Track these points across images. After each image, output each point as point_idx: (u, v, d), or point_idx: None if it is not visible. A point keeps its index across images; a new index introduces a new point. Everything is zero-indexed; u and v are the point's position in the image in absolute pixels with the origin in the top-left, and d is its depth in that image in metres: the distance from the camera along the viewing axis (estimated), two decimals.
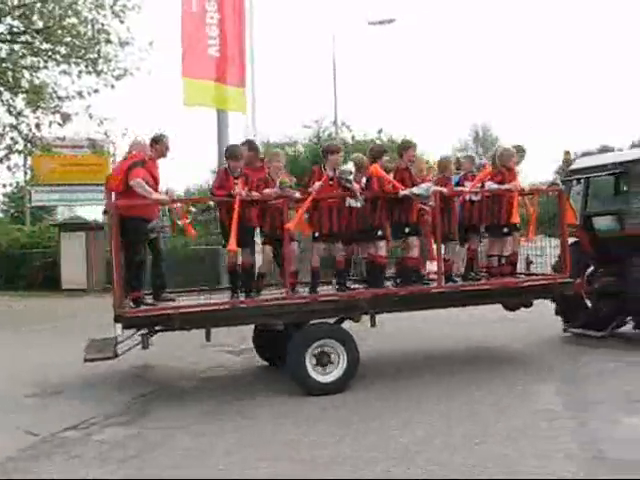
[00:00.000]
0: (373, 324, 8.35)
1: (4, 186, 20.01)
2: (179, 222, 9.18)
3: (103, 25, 17.01)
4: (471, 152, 57.21)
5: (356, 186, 8.31)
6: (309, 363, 7.81)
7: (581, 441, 5.88)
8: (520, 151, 9.72)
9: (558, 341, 10.70)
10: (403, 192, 8.38)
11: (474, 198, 9.33)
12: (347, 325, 8.44)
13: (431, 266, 9.41)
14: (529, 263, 10.01)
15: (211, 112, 15.81)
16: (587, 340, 10.33)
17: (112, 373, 9.18)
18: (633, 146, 55.33)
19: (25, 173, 24.41)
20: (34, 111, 17.16)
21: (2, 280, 23.17)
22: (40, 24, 16.68)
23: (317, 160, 20.94)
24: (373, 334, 9.09)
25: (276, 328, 8.46)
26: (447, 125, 78.71)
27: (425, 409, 7.06)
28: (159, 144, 8.76)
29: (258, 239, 8.73)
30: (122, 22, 17.08)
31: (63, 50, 16.94)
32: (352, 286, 8.85)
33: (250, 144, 9.48)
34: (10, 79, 16.84)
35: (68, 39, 16.72)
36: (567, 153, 11.53)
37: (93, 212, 27.29)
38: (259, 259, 8.66)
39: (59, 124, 17.59)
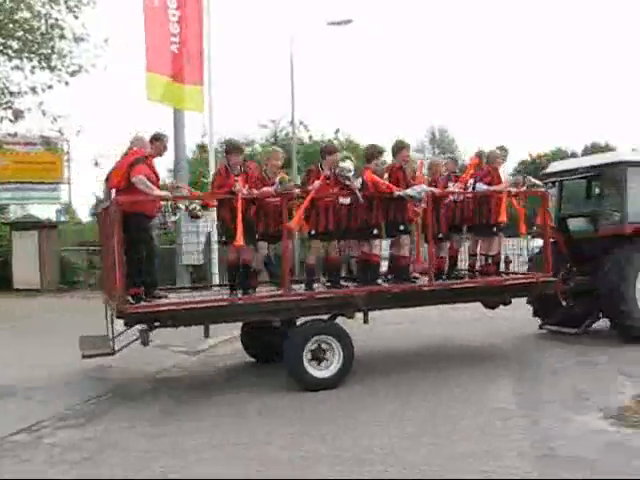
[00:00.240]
0: (366, 321, 8.57)
1: None
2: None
3: (57, 20, 16.63)
4: (428, 153, 57.96)
5: (355, 184, 8.49)
6: (306, 359, 7.99)
7: (533, 439, 5.98)
8: (503, 150, 10.06)
9: (533, 338, 11.09)
10: (397, 193, 8.58)
11: (458, 198, 9.61)
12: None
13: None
14: (508, 262, 10.29)
15: (167, 110, 15.64)
16: (562, 337, 10.71)
17: (67, 375, 9.04)
18: (586, 149, 56.73)
19: None
20: None
21: None
22: None
23: None
24: (360, 332, 9.20)
25: (264, 326, 8.67)
26: (404, 126, 79.17)
27: (391, 410, 7.14)
28: (159, 142, 8.78)
29: None
30: (77, 17, 16.72)
31: (15, 45, 16.52)
32: (342, 284, 8.92)
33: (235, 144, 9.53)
34: None
35: (20, 33, 16.33)
36: (540, 156, 11.82)
37: (46, 211, 26.74)
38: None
39: (11, 120, 17.21)
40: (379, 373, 8.77)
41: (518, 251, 11.27)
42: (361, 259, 8.94)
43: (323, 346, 8.10)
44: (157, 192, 8.23)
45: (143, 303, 7.88)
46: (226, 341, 11.27)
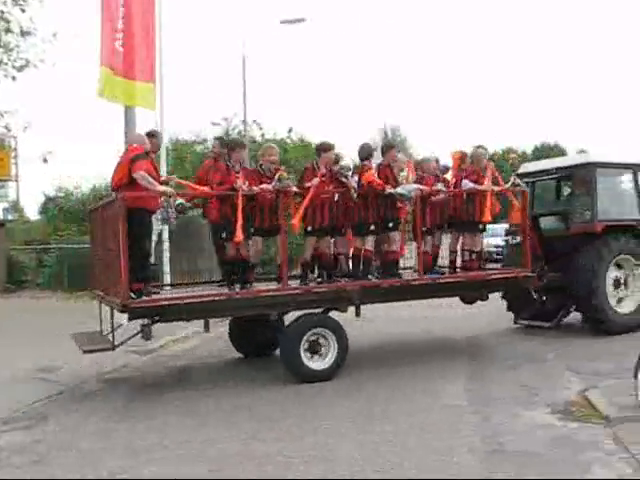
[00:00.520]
0: (358, 314, 8.84)
1: None
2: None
3: (3, 13, 16.29)
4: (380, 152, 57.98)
5: (352, 182, 8.79)
6: (303, 351, 8.19)
7: (484, 435, 6.08)
8: (483, 149, 10.40)
9: (508, 333, 11.48)
10: (389, 190, 8.83)
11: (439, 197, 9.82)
12: None
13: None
14: (485, 259, 10.69)
15: (118, 107, 15.42)
16: (536, 330, 11.17)
17: (15, 376, 8.87)
18: (535, 149, 57.80)
19: None
20: None
21: None
22: None
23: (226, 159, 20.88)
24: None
25: (250, 324, 9.10)
26: (357, 125, 79.61)
27: (343, 407, 7.18)
28: (155, 138, 8.83)
29: None
30: (24, 11, 16.39)
31: None
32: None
33: (221, 140, 9.85)
34: None
35: None
36: (514, 157, 12.11)
37: None
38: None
39: None
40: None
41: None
42: (354, 255, 9.15)
43: (319, 339, 8.32)
44: (159, 188, 8.34)
45: (145, 298, 7.94)
46: (176, 340, 11.19)
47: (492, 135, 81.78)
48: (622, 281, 10.95)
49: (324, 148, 8.96)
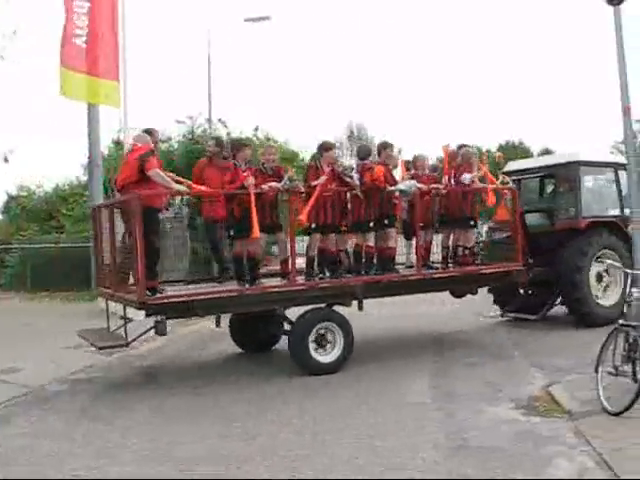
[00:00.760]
0: (361, 308, 9.10)
1: None
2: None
3: None
4: (346, 150, 58.37)
5: (357, 181, 9.10)
6: (311, 345, 8.44)
7: (448, 431, 6.13)
8: (470, 147, 10.82)
9: (493, 325, 11.94)
10: (390, 188, 9.28)
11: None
12: None
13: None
14: (474, 254, 10.95)
15: (81, 105, 15.24)
16: (522, 323, 11.68)
17: None
18: (500, 147, 58.38)
19: None
20: None
21: None
22: None
23: (191, 157, 20.63)
24: None
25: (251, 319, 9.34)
26: (323, 123, 79.61)
27: (310, 404, 7.18)
28: (152, 136, 8.87)
29: None
30: None
31: None
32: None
33: (217, 140, 10.10)
34: None
35: None
36: (500, 156, 12.51)
37: None
38: None
39: None
40: None
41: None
42: (356, 251, 9.52)
43: (326, 333, 8.58)
44: (175, 186, 8.54)
45: (158, 295, 8.03)
46: (141, 341, 11.07)
47: (457, 133, 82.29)
48: (605, 275, 11.32)
49: (325, 147, 9.22)
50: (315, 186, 8.71)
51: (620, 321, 6.46)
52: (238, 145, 9.15)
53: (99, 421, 6.84)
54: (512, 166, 12.89)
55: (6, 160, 19.32)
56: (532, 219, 11.85)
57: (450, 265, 10.38)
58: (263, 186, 8.53)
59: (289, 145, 25.42)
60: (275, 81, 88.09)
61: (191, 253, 15.27)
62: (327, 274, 9.11)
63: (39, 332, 12.44)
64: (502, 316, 12.34)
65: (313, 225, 8.85)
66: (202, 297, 8.19)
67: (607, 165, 11.99)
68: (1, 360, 9.22)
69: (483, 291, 11.38)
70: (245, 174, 8.50)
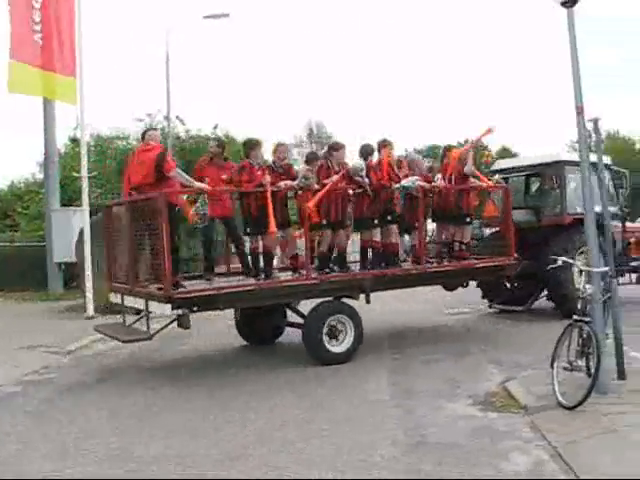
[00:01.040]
0: (368, 301, 9.45)
1: None
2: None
3: None
4: (306, 148, 58.34)
5: (367, 179, 9.51)
6: (324, 336, 8.82)
7: (406, 427, 6.17)
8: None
9: (453, 322, 12.23)
10: (396, 185, 9.78)
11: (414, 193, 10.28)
12: None
13: None
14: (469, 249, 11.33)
15: (37, 101, 14.99)
16: (483, 319, 12.41)
17: None
18: (460, 146, 59.07)
19: None
20: None
21: None
22: None
23: None
24: None
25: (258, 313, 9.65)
26: (283, 120, 79.35)
27: (273, 403, 7.16)
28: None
29: None
30: None
31: None
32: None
33: (219, 141, 10.32)
34: None
35: None
36: (487, 155, 12.84)
37: None
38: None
39: None
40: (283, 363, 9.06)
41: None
42: (363, 247, 9.96)
43: (337, 324, 8.97)
44: (197, 184, 8.88)
45: (182, 289, 8.31)
46: (97, 340, 10.95)
47: (417, 131, 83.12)
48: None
49: (335, 147, 9.67)
50: (326, 184, 9.09)
51: (574, 317, 6.58)
52: (251, 144, 9.32)
53: (55, 423, 6.72)
54: (500, 164, 13.60)
55: None
56: (519, 215, 12.21)
57: (444, 259, 10.82)
58: (280, 184, 8.93)
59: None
60: (235, 79, 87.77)
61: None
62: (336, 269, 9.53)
63: None
64: (490, 307, 13.01)
65: (324, 222, 9.22)
66: (225, 291, 8.49)
67: (590, 164, 12.23)
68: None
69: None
70: (259, 173, 8.84)
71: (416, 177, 10.12)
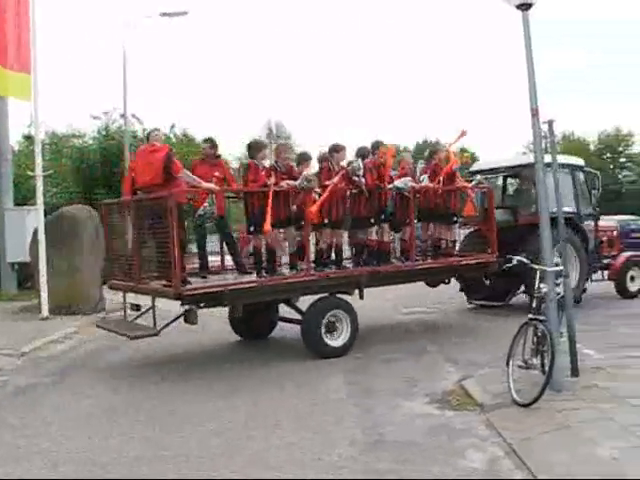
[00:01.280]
0: (362, 297, 9.87)
1: None
2: None
3: None
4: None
5: (363, 180, 9.89)
6: (323, 331, 9.15)
7: (364, 426, 6.20)
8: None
9: (410, 321, 12.27)
10: (389, 186, 10.23)
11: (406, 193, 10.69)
12: None
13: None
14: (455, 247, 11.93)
15: None
16: (487, 310, 12.88)
17: None
18: (418, 145, 59.48)
19: None
20: None
21: None
22: None
23: (105, 153, 20.14)
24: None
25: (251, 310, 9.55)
26: (241, 120, 79.13)
27: (226, 403, 7.13)
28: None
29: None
30: None
31: None
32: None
33: (212, 142, 10.31)
34: None
35: None
36: (467, 156, 13.12)
37: None
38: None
39: None
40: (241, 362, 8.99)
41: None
42: (357, 244, 10.42)
43: (334, 319, 9.30)
44: (204, 184, 9.14)
45: (190, 286, 8.48)
46: (51, 342, 10.77)
47: (374, 130, 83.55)
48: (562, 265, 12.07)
49: (336, 149, 9.93)
50: (327, 186, 9.44)
51: (529, 315, 6.68)
52: (257, 146, 9.59)
53: (5, 427, 6.56)
54: (479, 165, 13.99)
55: None
56: (497, 215, 12.41)
57: (428, 257, 11.29)
58: (282, 184, 9.17)
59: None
60: (193, 77, 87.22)
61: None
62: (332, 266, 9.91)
63: None
64: (469, 303, 13.49)
65: (325, 221, 9.59)
66: (232, 287, 8.72)
67: (564, 166, 12.82)
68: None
69: (407, 287, 11.66)
70: (263, 173, 9.14)
71: (409, 178, 10.62)
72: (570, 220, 12.31)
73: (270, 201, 8.88)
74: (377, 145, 10.36)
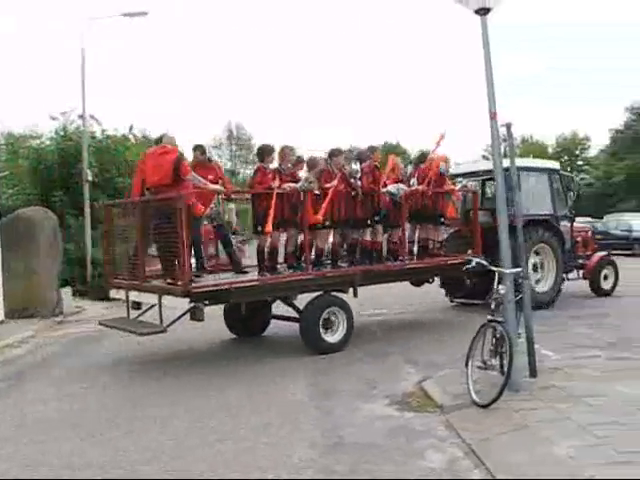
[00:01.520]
0: (356, 295, 10.28)
1: None
2: None
3: None
4: (225, 150, 57.98)
5: (359, 182, 10.47)
6: (321, 327, 9.49)
7: (324, 428, 6.19)
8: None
9: (370, 323, 12.27)
10: (383, 190, 10.79)
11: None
12: None
13: None
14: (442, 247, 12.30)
15: None
16: (470, 307, 13.11)
17: None
18: (381, 147, 59.84)
19: None
20: None
21: None
22: None
23: (63, 155, 19.79)
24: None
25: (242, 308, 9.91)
26: (201, 122, 78.54)
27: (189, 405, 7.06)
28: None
29: None
30: None
31: None
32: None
33: (201, 148, 10.58)
34: None
35: None
36: (446, 161, 13.32)
37: None
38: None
39: None
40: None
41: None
42: (354, 244, 10.74)
43: (331, 317, 9.66)
44: (211, 186, 9.55)
45: (196, 284, 8.73)
46: (8, 346, 10.57)
47: (335, 133, 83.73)
48: (539, 265, 13.19)
49: (335, 153, 10.39)
50: (328, 188, 9.89)
51: (488, 317, 6.74)
52: (267, 150, 9.90)
53: None
54: (460, 169, 14.49)
55: None
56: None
57: (414, 257, 11.66)
58: (284, 186, 9.53)
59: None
60: (153, 78, 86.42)
61: None
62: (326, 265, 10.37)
63: None
64: (451, 301, 13.95)
65: (326, 222, 10.01)
66: (238, 285, 9.02)
67: (542, 170, 13.61)
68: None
69: (367, 289, 11.70)
70: (269, 177, 9.50)
71: (401, 184, 11.11)
72: (547, 222, 12.97)
73: (273, 203, 9.23)
74: (373, 150, 10.94)
